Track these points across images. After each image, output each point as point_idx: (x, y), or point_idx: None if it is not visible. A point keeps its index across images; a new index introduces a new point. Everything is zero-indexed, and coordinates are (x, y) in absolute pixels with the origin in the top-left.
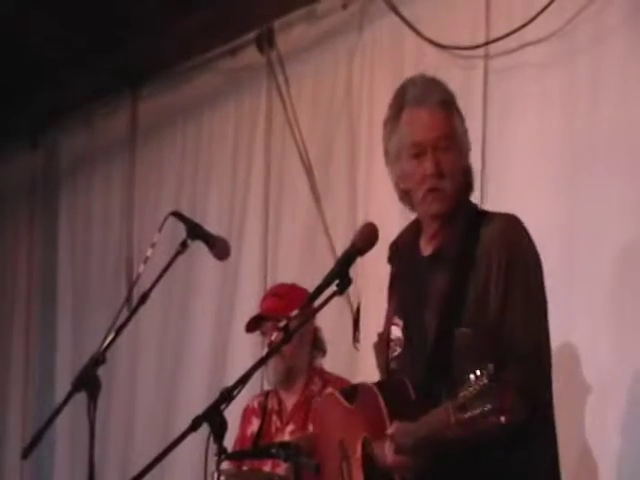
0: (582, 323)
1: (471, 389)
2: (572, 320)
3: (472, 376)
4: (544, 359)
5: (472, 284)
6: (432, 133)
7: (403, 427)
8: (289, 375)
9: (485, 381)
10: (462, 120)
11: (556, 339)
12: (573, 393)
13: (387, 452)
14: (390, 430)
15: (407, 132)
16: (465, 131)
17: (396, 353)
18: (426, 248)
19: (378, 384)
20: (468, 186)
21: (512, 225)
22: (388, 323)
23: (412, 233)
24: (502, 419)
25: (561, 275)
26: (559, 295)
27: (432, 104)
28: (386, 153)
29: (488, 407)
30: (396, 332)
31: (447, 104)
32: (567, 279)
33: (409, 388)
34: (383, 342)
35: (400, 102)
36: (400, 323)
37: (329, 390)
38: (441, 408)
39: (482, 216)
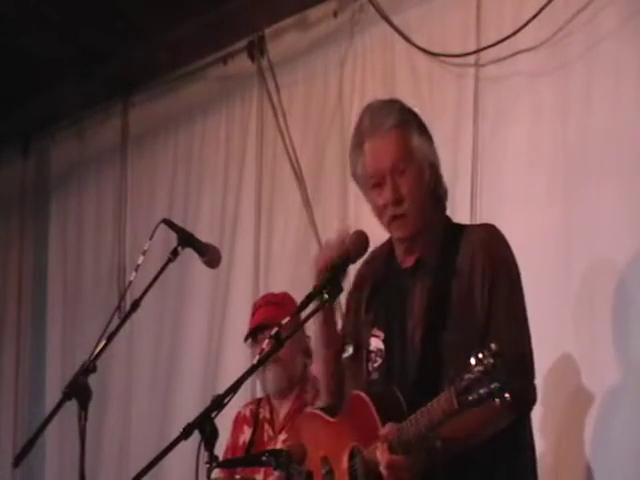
0: (579, 334)
1: (475, 370)
2: (569, 331)
3: (473, 359)
4: (530, 361)
5: (455, 291)
6: (387, 160)
7: (397, 426)
8: (289, 382)
9: (490, 360)
10: (423, 134)
11: (555, 350)
12: (573, 405)
13: (381, 454)
14: (383, 431)
15: (366, 163)
16: (429, 144)
17: (377, 364)
18: (406, 261)
19: (367, 392)
20: (438, 199)
21: (492, 233)
22: (343, 337)
23: (387, 249)
24: (507, 396)
25: (557, 285)
26: (556, 305)
27: (384, 130)
28: (355, 179)
29: (495, 385)
30: (376, 343)
31: (401, 125)
32: (563, 288)
33: (398, 394)
34: (360, 354)
35: (359, 132)
36: (381, 335)
37: (308, 408)
38: (442, 394)
39: (459, 228)
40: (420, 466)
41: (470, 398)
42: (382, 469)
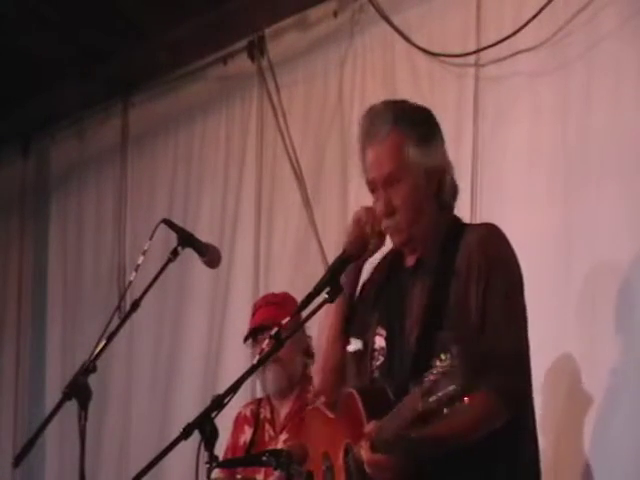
0: (579, 334)
1: (436, 372)
2: (569, 331)
3: (437, 361)
4: (524, 360)
5: (452, 290)
6: (380, 172)
7: (378, 424)
8: (289, 382)
9: (448, 362)
10: (423, 140)
11: (555, 350)
12: (571, 404)
13: (364, 452)
14: (366, 429)
15: (367, 170)
16: (430, 148)
17: (379, 362)
18: (409, 260)
19: (358, 389)
20: (443, 201)
21: (491, 232)
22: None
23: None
24: (465, 400)
25: (557, 285)
26: (556, 305)
27: (379, 140)
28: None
29: (453, 388)
30: (379, 342)
31: (396, 134)
32: (563, 289)
33: (388, 392)
34: (366, 352)
35: (360, 137)
36: (383, 333)
37: (314, 404)
38: (410, 395)
39: (462, 228)
40: (403, 465)
41: (431, 400)
42: (365, 467)
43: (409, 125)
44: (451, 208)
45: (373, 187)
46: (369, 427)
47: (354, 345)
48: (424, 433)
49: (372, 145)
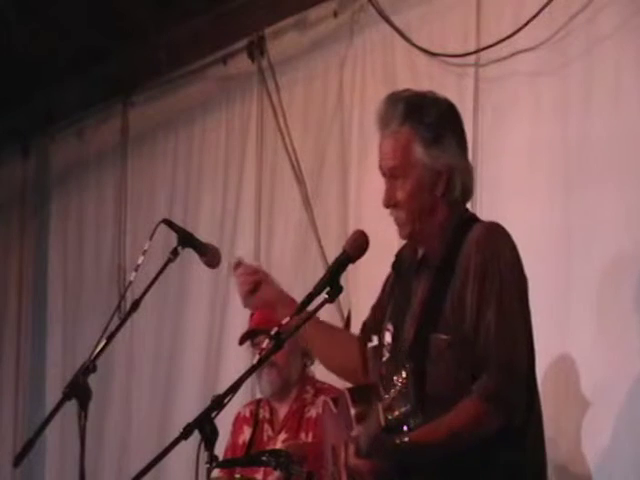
0: (579, 334)
1: (393, 390)
2: (569, 331)
3: (395, 377)
4: (519, 366)
5: (450, 291)
6: (387, 163)
7: (361, 429)
8: (284, 387)
9: (404, 381)
10: (433, 141)
11: (553, 351)
12: (570, 406)
13: (349, 455)
14: (354, 432)
15: (379, 154)
16: (442, 148)
17: (385, 358)
18: (419, 255)
19: (350, 388)
20: (451, 201)
21: (489, 232)
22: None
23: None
24: (420, 416)
25: (556, 285)
26: (555, 306)
27: (389, 132)
28: None
29: (407, 408)
30: (388, 338)
31: (405, 129)
32: (562, 289)
33: (380, 392)
34: (377, 348)
35: (376, 121)
36: (391, 329)
37: (322, 398)
38: (374, 409)
39: (470, 224)
40: (384, 469)
41: (390, 418)
42: (351, 472)
43: (421, 124)
44: (462, 207)
45: (382, 173)
46: (355, 431)
47: (373, 341)
48: (413, 437)
49: (383, 134)
